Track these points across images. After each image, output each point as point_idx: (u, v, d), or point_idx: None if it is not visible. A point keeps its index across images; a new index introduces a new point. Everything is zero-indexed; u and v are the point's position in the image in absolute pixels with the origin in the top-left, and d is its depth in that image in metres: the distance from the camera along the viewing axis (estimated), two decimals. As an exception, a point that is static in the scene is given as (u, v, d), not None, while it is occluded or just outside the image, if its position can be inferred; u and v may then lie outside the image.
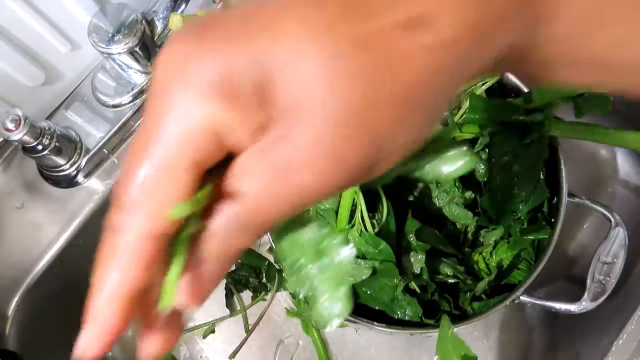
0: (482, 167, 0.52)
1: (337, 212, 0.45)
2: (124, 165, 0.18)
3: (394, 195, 0.50)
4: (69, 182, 0.56)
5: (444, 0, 0.15)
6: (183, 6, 0.57)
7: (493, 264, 0.55)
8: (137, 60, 0.54)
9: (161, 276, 0.18)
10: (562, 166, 0.52)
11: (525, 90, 0.54)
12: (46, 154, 0.52)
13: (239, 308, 0.69)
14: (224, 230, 0.17)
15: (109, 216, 0.18)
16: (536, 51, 0.18)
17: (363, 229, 0.48)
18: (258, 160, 0.16)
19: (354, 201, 0.45)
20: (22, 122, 0.49)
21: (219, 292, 0.70)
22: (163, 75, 0.17)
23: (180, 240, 0.18)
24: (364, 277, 0.46)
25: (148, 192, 0.17)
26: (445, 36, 0.15)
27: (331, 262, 0.29)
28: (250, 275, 0.69)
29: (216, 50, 0.16)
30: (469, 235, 0.56)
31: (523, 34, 0.17)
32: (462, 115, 0.51)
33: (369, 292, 0.51)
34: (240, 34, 0.15)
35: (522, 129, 0.50)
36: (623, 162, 0.69)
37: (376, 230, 0.48)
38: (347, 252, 0.28)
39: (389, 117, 0.16)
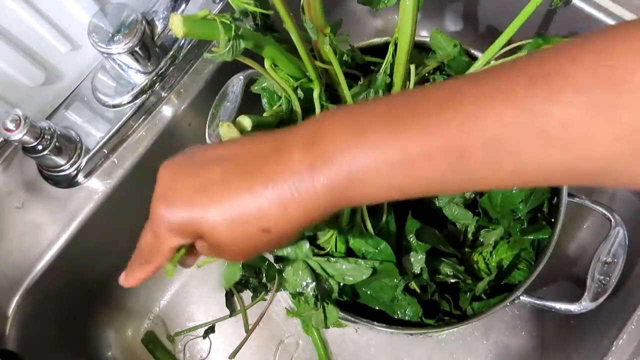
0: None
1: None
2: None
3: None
4: (69, 182, 0.56)
5: (277, 217, 0.29)
6: (183, 6, 0.57)
7: (493, 264, 0.55)
8: (137, 60, 0.54)
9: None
10: (562, 166, 0.52)
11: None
12: (46, 154, 0.52)
13: (239, 308, 0.69)
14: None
15: (136, 252, 0.38)
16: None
17: (363, 229, 0.48)
18: (204, 249, 0.35)
19: (354, 201, 0.45)
20: (22, 122, 0.49)
21: (219, 292, 0.70)
22: (155, 203, 0.35)
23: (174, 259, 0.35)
24: (364, 277, 0.46)
25: (151, 259, 0.36)
26: (279, 232, 0.30)
27: None
28: (250, 275, 0.69)
29: (180, 211, 0.32)
30: (469, 235, 0.56)
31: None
32: (462, 115, 0.51)
33: (369, 292, 0.51)
34: (186, 200, 0.32)
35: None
36: (623, 162, 0.69)
37: (376, 230, 0.48)
38: None
39: (243, 247, 0.32)
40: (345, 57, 0.50)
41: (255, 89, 0.51)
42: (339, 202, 0.28)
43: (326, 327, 0.48)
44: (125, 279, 0.38)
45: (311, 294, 0.47)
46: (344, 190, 0.27)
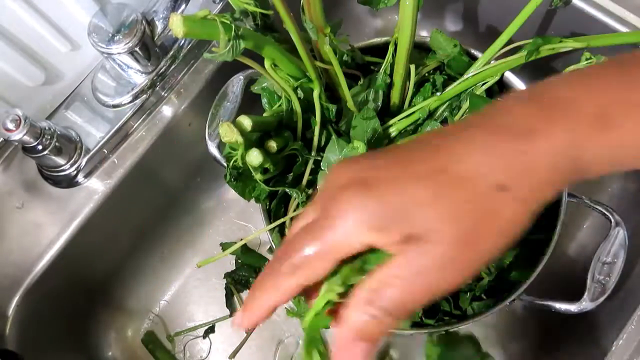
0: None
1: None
2: (292, 230, 0.29)
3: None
4: (69, 182, 0.56)
5: (518, 173, 0.24)
6: (183, 6, 0.57)
7: (493, 264, 0.55)
8: (137, 60, 0.55)
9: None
10: (562, 166, 0.52)
11: (525, 90, 0.54)
12: (46, 154, 0.52)
13: (239, 308, 0.69)
14: (365, 306, 0.25)
15: (274, 262, 0.28)
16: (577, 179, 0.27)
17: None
18: (405, 266, 0.25)
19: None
20: (22, 122, 0.49)
21: (219, 292, 0.70)
22: (337, 201, 0.25)
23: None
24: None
25: (306, 264, 0.26)
26: (519, 196, 0.24)
27: None
28: (250, 275, 0.69)
29: (371, 196, 0.25)
30: (469, 235, 0.56)
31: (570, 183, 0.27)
32: (462, 115, 0.52)
33: (369, 292, 0.51)
34: (386, 187, 0.25)
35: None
36: (623, 162, 0.69)
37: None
38: None
39: (488, 246, 0.25)
40: (345, 57, 0.50)
41: (255, 89, 0.51)
42: (563, 173, 0.25)
43: (327, 327, 0.48)
44: (246, 311, 0.29)
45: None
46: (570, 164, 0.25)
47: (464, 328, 0.48)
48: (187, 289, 0.71)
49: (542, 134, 0.25)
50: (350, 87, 0.50)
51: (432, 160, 0.25)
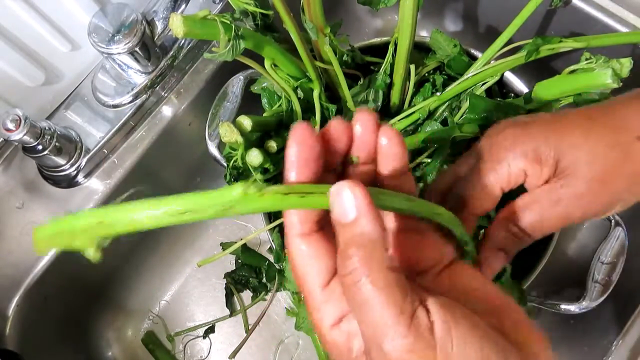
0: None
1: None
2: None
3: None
4: (69, 182, 0.56)
5: None
6: (183, 6, 0.57)
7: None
8: (137, 60, 0.54)
9: None
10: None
11: (525, 90, 0.54)
12: (46, 154, 0.52)
13: (239, 308, 0.69)
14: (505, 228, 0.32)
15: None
16: None
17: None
18: (546, 195, 0.30)
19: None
20: (22, 122, 0.49)
21: (219, 292, 0.70)
22: (500, 142, 0.31)
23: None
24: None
25: (474, 198, 0.33)
26: None
27: None
28: (250, 275, 0.69)
29: (533, 136, 0.30)
30: (469, 235, 0.56)
31: None
32: (462, 115, 0.51)
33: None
34: (545, 132, 0.30)
35: (522, 129, 0.50)
36: (623, 162, 0.69)
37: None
38: None
39: (622, 186, 0.29)
40: (345, 57, 0.50)
41: (255, 89, 0.51)
42: None
43: None
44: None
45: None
46: None
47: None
48: (187, 289, 0.71)
49: None
50: (350, 87, 0.50)
51: (585, 110, 0.31)
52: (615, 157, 0.29)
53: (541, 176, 0.30)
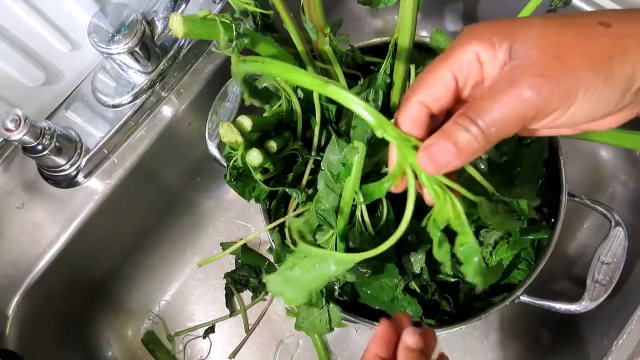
0: (483, 167, 0.52)
1: (337, 212, 0.45)
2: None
3: (394, 195, 0.50)
4: (69, 182, 0.56)
5: (624, 21, 0.27)
6: (183, 6, 0.57)
7: (493, 263, 0.55)
8: (137, 60, 0.54)
9: None
10: (562, 166, 0.52)
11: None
12: (46, 154, 0.52)
13: (239, 308, 0.69)
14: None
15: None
16: None
17: (363, 229, 0.48)
18: (499, 78, 0.27)
19: (354, 201, 0.45)
20: (22, 122, 0.49)
21: (219, 292, 0.70)
22: (458, 37, 0.29)
23: None
24: (365, 277, 0.46)
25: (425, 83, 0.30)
26: (616, 32, 0.26)
27: None
28: (250, 275, 0.69)
29: (491, 29, 0.28)
30: (469, 235, 0.56)
31: None
32: (462, 115, 0.51)
33: (369, 292, 0.51)
34: (501, 21, 0.28)
35: (522, 129, 0.50)
36: (623, 162, 0.69)
37: (376, 230, 0.48)
38: None
39: (582, 66, 0.26)
40: (345, 57, 0.50)
41: (255, 89, 0.51)
42: None
43: (330, 330, 0.48)
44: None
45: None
46: None
47: (464, 328, 0.48)
48: (187, 289, 0.71)
49: None
50: (350, 87, 0.50)
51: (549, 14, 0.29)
52: (572, 33, 0.27)
53: (496, 60, 0.28)
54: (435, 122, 0.31)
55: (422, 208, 0.54)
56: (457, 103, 0.31)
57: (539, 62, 0.26)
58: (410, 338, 0.36)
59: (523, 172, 0.51)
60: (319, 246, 0.49)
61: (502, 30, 0.28)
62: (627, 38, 0.26)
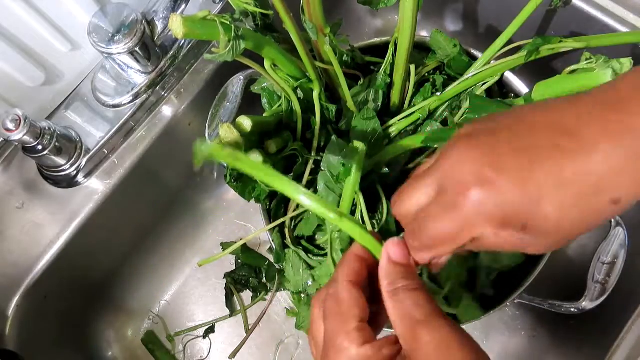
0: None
1: (337, 212, 0.45)
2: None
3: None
4: (69, 182, 0.56)
5: (632, 190, 0.25)
6: (183, 6, 0.57)
7: (495, 266, 0.55)
8: (137, 60, 0.54)
9: None
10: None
11: (525, 90, 0.54)
12: (46, 154, 0.52)
13: (239, 308, 0.69)
14: None
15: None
16: None
17: (363, 229, 0.48)
18: (513, 238, 0.27)
19: (354, 201, 0.45)
20: (22, 122, 0.49)
21: (219, 292, 0.70)
22: (460, 182, 0.26)
23: None
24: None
25: (435, 247, 0.30)
26: (623, 206, 0.25)
27: None
28: (250, 275, 0.69)
29: (500, 190, 0.25)
30: (469, 235, 0.56)
31: None
32: (462, 115, 0.51)
33: (369, 292, 0.51)
34: (526, 182, 0.25)
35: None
36: (623, 162, 0.69)
37: (376, 230, 0.48)
38: None
39: (569, 227, 0.25)
40: (345, 57, 0.50)
41: (255, 89, 0.51)
42: None
43: None
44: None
45: (313, 293, 0.47)
46: None
47: (463, 328, 0.48)
48: (187, 289, 0.71)
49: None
50: (350, 87, 0.50)
51: (552, 136, 0.25)
52: (578, 214, 0.25)
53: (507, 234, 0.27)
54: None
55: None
56: None
57: (546, 239, 0.27)
58: (395, 249, 0.31)
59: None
60: (319, 247, 0.49)
61: (518, 205, 0.26)
62: (622, 208, 0.26)
